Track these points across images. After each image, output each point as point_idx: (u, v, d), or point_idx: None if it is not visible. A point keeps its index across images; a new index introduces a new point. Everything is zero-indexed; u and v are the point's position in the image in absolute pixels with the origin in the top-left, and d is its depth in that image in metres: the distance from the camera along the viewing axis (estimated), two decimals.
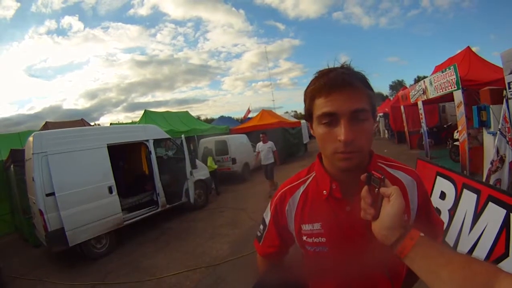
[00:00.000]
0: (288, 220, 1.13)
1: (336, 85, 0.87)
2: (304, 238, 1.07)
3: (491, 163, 5.02)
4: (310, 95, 0.94)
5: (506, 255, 2.55)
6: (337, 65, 0.95)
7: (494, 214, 2.89)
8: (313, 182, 1.11)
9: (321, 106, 0.89)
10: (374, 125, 0.95)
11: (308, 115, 0.98)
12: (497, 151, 4.94)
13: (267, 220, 1.20)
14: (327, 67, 0.96)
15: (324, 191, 1.03)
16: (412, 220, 1.03)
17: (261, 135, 9.67)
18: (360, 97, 0.89)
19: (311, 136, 26.25)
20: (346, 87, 0.87)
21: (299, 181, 1.15)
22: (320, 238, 1.03)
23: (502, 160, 4.91)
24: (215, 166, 10.34)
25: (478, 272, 0.63)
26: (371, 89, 0.94)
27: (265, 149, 9.33)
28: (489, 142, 5.84)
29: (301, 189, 1.12)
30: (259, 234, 1.26)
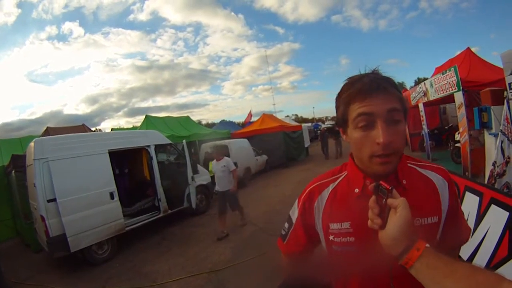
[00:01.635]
0: (316, 218, 1.11)
1: (371, 89, 0.89)
2: (331, 237, 1.05)
3: (493, 165, 4.99)
4: (345, 101, 0.95)
5: (509, 257, 2.53)
6: (367, 70, 0.99)
7: (497, 217, 2.87)
8: (344, 181, 1.10)
9: (357, 109, 0.91)
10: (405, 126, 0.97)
11: (342, 121, 0.99)
12: (503, 153, 4.90)
13: (294, 218, 1.17)
14: (358, 73, 0.99)
15: (356, 189, 1.02)
16: (442, 221, 1.02)
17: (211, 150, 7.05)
18: (394, 99, 0.91)
19: (312, 140, 26.31)
20: (381, 91, 0.89)
21: (329, 179, 1.14)
22: (348, 237, 1.01)
23: (507, 162, 4.86)
24: None
25: (482, 282, 0.64)
26: (401, 93, 0.96)
27: (219, 170, 6.49)
28: (491, 144, 5.81)
29: (331, 187, 1.11)
30: (283, 232, 1.23)
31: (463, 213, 1.17)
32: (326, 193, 1.10)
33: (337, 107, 1.01)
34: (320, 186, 1.13)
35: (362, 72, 0.99)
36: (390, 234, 0.79)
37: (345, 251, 1.03)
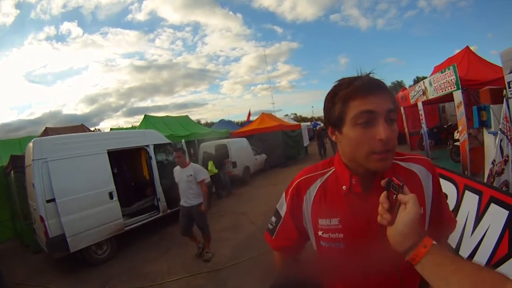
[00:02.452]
0: (305, 212, 1.11)
1: (373, 87, 0.92)
2: (320, 233, 1.06)
3: (492, 163, 4.99)
4: (344, 98, 0.94)
5: (509, 256, 2.53)
6: (362, 73, 1.00)
7: (497, 215, 2.87)
8: (332, 176, 1.10)
9: (358, 106, 0.91)
10: None
11: (337, 119, 0.97)
12: (501, 152, 4.90)
13: (282, 212, 1.17)
14: (351, 76, 0.99)
15: (344, 187, 1.03)
16: (428, 213, 1.04)
17: (174, 153, 5.23)
18: (391, 99, 0.94)
19: (311, 139, 26.22)
20: (381, 89, 0.92)
21: (317, 173, 1.14)
22: (337, 234, 1.02)
23: (506, 161, 4.87)
24: (216, 170, 10.30)
25: (486, 280, 0.64)
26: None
27: (184, 179, 5.08)
28: (490, 142, 5.82)
29: (318, 182, 1.11)
30: (271, 227, 1.23)
31: (447, 204, 1.19)
32: (315, 188, 1.11)
33: (331, 105, 0.99)
34: (308, 180, 1.13)
35: (359, 73, 0.99)
36: (399, 230, 0.80)
37: (333, 247, 1.04)
